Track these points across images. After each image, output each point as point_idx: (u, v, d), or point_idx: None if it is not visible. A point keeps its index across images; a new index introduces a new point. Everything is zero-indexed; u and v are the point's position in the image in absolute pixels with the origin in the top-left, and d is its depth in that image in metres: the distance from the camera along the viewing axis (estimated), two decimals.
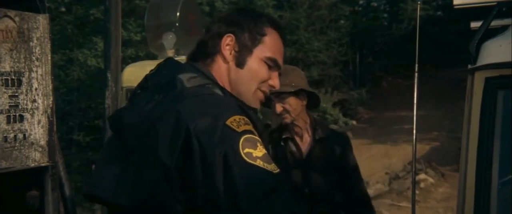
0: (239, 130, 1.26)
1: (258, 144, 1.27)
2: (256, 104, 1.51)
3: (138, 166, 1.32)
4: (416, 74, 2.73)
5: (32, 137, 2.24)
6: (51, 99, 2.32)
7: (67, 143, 14.16)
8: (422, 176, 10.92)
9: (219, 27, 1.51)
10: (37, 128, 2.26)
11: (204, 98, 1.34)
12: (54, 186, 2.38)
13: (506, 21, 2.43)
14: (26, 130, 2.22)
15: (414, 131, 2.81)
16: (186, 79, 1.38)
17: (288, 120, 2.68)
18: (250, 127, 1.29)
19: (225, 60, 1.49)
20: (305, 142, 2.75)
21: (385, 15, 25.53)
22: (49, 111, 2.31)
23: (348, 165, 2.77)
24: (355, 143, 3.31)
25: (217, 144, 1.23)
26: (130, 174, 1.33)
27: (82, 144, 14.85)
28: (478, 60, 1.96)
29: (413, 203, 2.89)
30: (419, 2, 3.22)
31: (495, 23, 2.39)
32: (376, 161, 12.34)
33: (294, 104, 2.66)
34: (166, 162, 1.26)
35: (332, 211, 2.70)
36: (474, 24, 2.89)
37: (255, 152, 1.25)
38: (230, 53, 1.48)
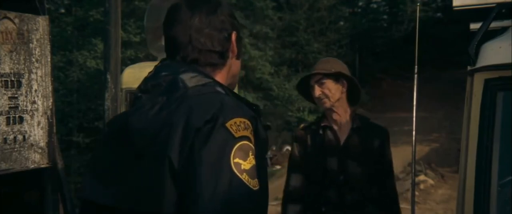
0: (237, 135, 1.24)
1: (250, 154, 1.26)
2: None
3: (147, 171, 1.31)
4: (415, 75, 2.73)
5: (31, 138, 2.24)
6: (51, 100, 2.32)
7: (66, 145, 14.13)
8: (421, 177, 10.92)
9: None
10: (36, 129, 2.26)
11: (209, 97, 1.33)
12: (53, 188, 2.38)
13: (505, 23, 2.43)
14: (26, 132, 2.22)
15: (414, 132, 2.81)
16: (188, 79, 1.38)
17: (327, 104, 2.71)
18: (247, 133, 1.27)
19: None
20: (343, 130, 2.77)
21: (385, 16, 25.59)
22: (48, 112, 2.31)
23: (384, 158, 2.78)
24: None
25: (209, 145, 1.22)
26: (139, 179, 1.33)
27: (82, 145, 14.83)
28: (478, 61, 1.96)
29: (413, 204, 2.89)
30: (418, 4, 3.23)
31: (495, 24, 2.39)
32: None
33: (332, 88, 2.70)
34: (175, 166, 1.25)
35: (365, 201, 2.72)
36: (474, 26, 2.89)
37: (244, 164, 1.23)
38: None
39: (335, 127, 2.77)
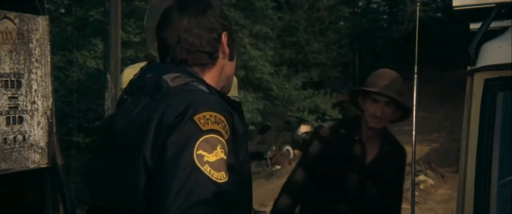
0: (204, 128, 1.25)
1: (219, 147, 1.25)
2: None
3: (129, 170, 1.32)
4: (415, 75, 2.72)
5: (31, 138, 2.24)
6: (51, 100, 2.32)
7: (66, 145, 14.14)
8: (421, 177, 10.92)
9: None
10: (36, 130, 2.26)
11: (187, 94, 1.34)
12: (53, 188, 2.38)
13: (505, 23, 2.43)
14: (26, 132, 2.22)
15: (414, 132, 2.80)
16: (171, 79, 1.38)
17: (378, 125, 2.63)
18: (218, 127, 1.27)
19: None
20: (372, 149, 2.70)
21: (385, 16, 25.57)
22: (48, 112, 2.31)
23: (399, 179, 2.78)
24: None
25: (174, 137, 1.23)
26: (122, 178, 1.34)
27: (82, 145, 14.84)
28: (478, 61, 1.96)
29: (413, 204, 2.88)
30: (418, 4, 3.22)
31: (495, 24, 2.39)
32: None
33: (391, 114, 2.64)
34: (148, 163, 1.26)
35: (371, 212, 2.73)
36: (474, 26, 2.89)
37: (208, 156, 1.23)
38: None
39: (366, 143, 2.69)
